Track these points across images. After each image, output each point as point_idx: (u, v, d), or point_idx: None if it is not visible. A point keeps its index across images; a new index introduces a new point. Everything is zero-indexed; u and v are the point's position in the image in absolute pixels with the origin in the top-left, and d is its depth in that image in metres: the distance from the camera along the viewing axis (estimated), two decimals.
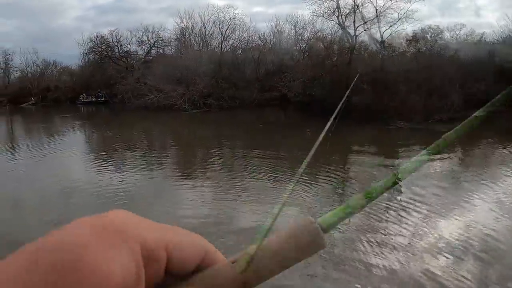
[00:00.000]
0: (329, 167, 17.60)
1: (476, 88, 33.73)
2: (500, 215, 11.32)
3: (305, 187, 14.34)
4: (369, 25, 42.76)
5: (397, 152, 22.84)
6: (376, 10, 42.13)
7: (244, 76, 45.08)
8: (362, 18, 42.43)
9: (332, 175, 17.12)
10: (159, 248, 0.48)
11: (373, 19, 42.22)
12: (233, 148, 24.95)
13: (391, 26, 42.68)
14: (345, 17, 42.89)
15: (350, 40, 43.29)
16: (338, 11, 42.58)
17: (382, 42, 42.79)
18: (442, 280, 7.98)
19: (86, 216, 0.31)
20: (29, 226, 10.91)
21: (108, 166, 19.34)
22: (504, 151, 20.85)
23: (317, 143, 0.65)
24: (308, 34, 48.55)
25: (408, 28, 45.02)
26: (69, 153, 23.74)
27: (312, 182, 15.14)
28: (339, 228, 10.94)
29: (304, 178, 14.88)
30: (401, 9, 42.17)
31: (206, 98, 43.92)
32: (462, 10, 76.92)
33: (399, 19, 42.46)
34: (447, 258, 9.02)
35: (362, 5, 42.20)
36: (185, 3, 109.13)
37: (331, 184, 15.97)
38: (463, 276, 8.06)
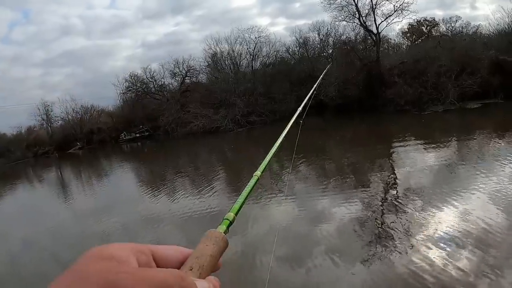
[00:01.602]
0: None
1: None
2: (496, 206, 11.36)
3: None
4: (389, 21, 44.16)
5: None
6: (372, 2, 43.55)
7: (279, 90, 46.45)
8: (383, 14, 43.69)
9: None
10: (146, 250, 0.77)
11: (392, 14, 43.53)
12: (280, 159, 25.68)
13: (387, 17, 43.99)
14: (366, 17, 44.25)
15: (374, 38, 44.77)
16: (358, 13, 43.94)
17: (378, 34, 44.32)
18: (439, 271, 8.29)
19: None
20: None
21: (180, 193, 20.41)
22: (500, 142, 20.61)
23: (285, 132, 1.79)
24: (333, 38, 49.69)
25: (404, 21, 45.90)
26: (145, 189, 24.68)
27: None
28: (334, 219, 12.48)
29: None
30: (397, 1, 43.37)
31: (248, 116, 45.55)
32: (458, 3, 77.49)
33: (395, 11, 43.54)
34: (443, 249, 9.25)
35: (379, 4, 43.49)
36: (225, 30, 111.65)
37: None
38: (459, 268, 8.30)
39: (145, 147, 51.43)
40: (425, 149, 21.52)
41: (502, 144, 20.08)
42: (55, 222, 18.83)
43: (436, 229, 10.48)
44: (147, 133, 57.75)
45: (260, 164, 1.66)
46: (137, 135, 58.80)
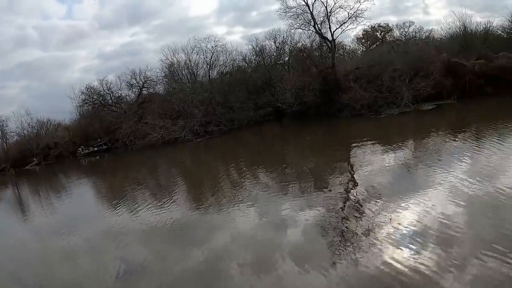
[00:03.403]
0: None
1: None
2: (454, 202, 11.71)
3: None
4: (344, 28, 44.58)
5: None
6: (326, 9, 43.99)
7: (237, 98, 46.49)
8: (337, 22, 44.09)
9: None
10: None
11: (346, 21, 43.98)
12: (240, 169, 25.53)
13: (342, 24, 44.36)
14: (321, 24, 44.60)
15: (329, 44, 45.10)
16: (314, 20, 44.27)
17: (333, 41, 44.63)
18: (403, 269, 8.48)
19: None
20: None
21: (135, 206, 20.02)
22: (455, 140, 21.16)
23: None
24: (289, 46, 50.08)
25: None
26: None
27: None
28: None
29: None
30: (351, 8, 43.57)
31: (207, 126, 45.23)
32: (411, 8, 79.38)
33: (349, 18, 43.93)
34: (406, 246, 9.51)
35: (333, 11, 43.89)
36: (183, 39, 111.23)
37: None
38: (423, 264, 8.51)
39: (103, 161, 50.68)
40: (382, 151, 21.86)
41: (457, 142, 20.65)
42: (14, 241, 18.39)
43: (398, 228, 10.67)
44: (105, 147, 56.83)
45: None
46: (95, 148, 57.79)
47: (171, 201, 19.18)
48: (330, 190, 15.92)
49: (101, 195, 27.51)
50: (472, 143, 19.67)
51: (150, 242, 14.00)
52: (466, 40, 42.52)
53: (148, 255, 12.73)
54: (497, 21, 45.40)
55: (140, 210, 18.58)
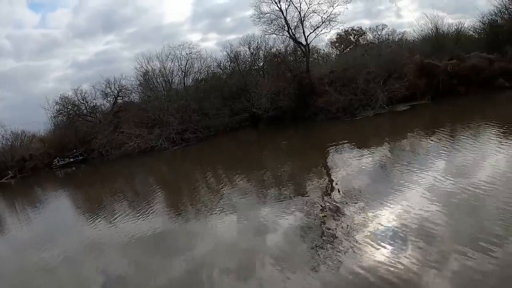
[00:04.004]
0: None
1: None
2: (431, 200, 11.97)
3: None
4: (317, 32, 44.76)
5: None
6: (300, 14, 44.16)
7: (212, 105, 46.19)
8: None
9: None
10: None
11: (320, 25, 44.17)
12: (218, 175, 25.72)
13: (315, 29, 44.65)
14: (295, 29, 44.69)
15: (304, 49, 45.24)
16: (287, 26, 44.36)
17: (307, 45, 44.85)
18: (385, 269, 8.59)
19: None
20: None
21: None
22: (430, 140, 21.45)
23: None
24: (263, 51, 49.97)
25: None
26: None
27: None
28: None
29: None
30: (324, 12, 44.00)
31: (183, 134, 44.83)
32: (384, 12, 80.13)
33: (323, 22, 44.21)
34: (386, 246, 9.65)
35: (307, 16, 44.06)
36: (157, 47, 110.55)
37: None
38: (403, 262, 8.66)
39: (79, 172, 50.02)
40: (359, 152, 21.99)
41: (432, 142, 20.84)
42: None
43: (378, 228, 10.80)
44: (81, 157, 55.91)
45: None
46: (71, 159, 56.76)
47: (149, 211, 19.04)
48: (308, 194, 16.02)
49: (78, 206, 27.14)
50: (447, 142, 19.97)
51: (130, 253, 13.86)
52: (438, 41, 43.17)
53: (128, 266, 12.65)
54: (468, 22, 46.16)
55: (119, 220, 18.41)
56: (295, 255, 10.53)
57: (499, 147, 16.61)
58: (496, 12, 42.77)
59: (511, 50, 35.52)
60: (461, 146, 18.19)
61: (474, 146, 17.66)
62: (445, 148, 18.51)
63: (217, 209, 16.53)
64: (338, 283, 8.67)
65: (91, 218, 20.62)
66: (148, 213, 18.68)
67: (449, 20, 61.37)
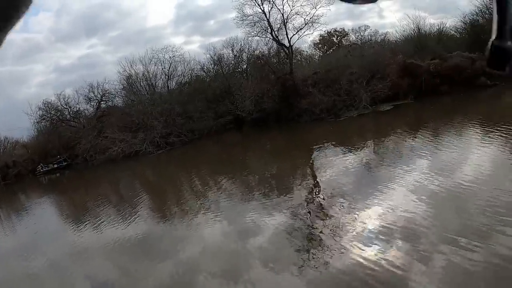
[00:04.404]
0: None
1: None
2: (416, 198, 12.04)
3: None
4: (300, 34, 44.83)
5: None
6: (283, 16, 44.21)
7: (196, 108, 46.13)
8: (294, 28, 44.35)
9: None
10: None
11: (303, 27, 44.26)
12: (203, 178, 25.66)
13: (298, 30, 44.75)
14: (278, 31, 44.74)
15: (287, 51, 45.32)
16: (270, 28, 44.40)
17: (290, 47, 44.95)
18: (371, 266, 8.67)
19: None
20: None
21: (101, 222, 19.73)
22: (414, 139, 21.70)
23: None
24: (247, 54, 49.83)
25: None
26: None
27: None
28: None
29: None
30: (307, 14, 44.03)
31: (167, 137, 44.67)
32: (366, 13, 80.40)
33: (305, 24, 44.30)
34: (373, 244, 9.71)
35: (290, 18, 44.13)
36: (140, 50, 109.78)
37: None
38: (390, 259, 8.74)
39: (63, 178, 49.58)
40: (343, 152, 22.02)
41: (416, 140, 21.05)
42: None
43: (365, 228, 10.85)
44: (65, 163, 55.26)
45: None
46: (55, 165, 56.07)
47: (135, 215, 18.91)
48: (294, 195, 16.08)
49: (63, 213, 26.88)
50: (430, 140, 20.14)
51: (116, 258, 13.80)
52: (420, 41, 43.39)
53: (114, 272, 12.61)
54: (450, 22, 46.42)
55: (104, 226, 18.30)
56: (282, 256, 10.51)
57: (481, 145, 16.75)
58: (478, 12, 43.24)
59: None
60: (444, 145, 18.32)
61: (457, 144, 17.81)
62: (429, 147, 18.64)
63: (203, 212, 16.50)
64: (325, 283, 8.71)
65: (76, 224, 20.45)
66: (133, 217, 18.55)
67: (431, 20, 61.67)
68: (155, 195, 24.28)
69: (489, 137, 18.06)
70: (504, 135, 17.28)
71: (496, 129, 18.30)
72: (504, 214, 9.57)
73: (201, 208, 17.34)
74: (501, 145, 16.29)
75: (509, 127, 17.73)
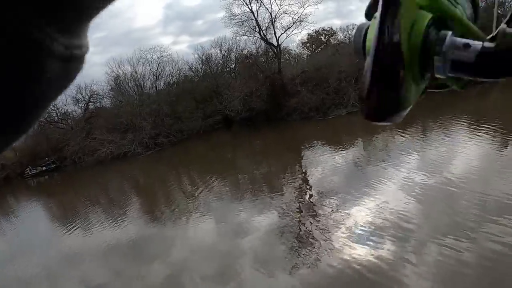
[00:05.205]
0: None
1: None
2: (406, 195, 12.10)
3: None
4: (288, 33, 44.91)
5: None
6: (271, 15, 44.33)
7: (185, 108, 46.12)
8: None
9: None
10: None
11: (291, 26, 44.33)
12: (192, 179, 25.58)
13: (286, 29, 44.98)
14: (266, 30, 44.75)
15: (275, 50, 45.34)
16: (259, 27, 44.39)
17: (278, 46, 45.21)
18: (364, 263, 8.73)
19: None
20: None
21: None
22: (403, 136, 21.67)
23: None
24: (235, 53, 49.87)
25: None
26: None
27: None
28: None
29: None
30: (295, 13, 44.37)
31: (156, 138, 44.52)
32: (354, 12, 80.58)
33: (294, 23, 44.62)
34: (364, 242, 9.77)
35: (278, 17, 44.17)
36: (128, 51, 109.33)
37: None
38: (381, 257, 8.80)
39: (52, 180, 49.25)
40: (333, 151, 22.02)
41: (405, 138, 21.09)
42: None
43: (355, 226, 10.86)
44: (53, 165, 54.84)
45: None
46: (44, 168, 55.68)
47: (125, 217, 18.85)
48: (284, 194, 16.07)
49: (53, 216, 26.73)
50: (419, 137, 20.35)
51: (108, 261, 13.73)
52: None
53: (107, 274, 12.53)
54: None
55: (95, 228, 18.23)
56: (274, 255, 10.53)
57: (469, 141, 16.80)
58: None
59: None
60: (433, 141, 18.38)
61: (446, 141, 17.85)
62: (418, 144, 18.80)
63: (194, 213, 16.47)
64: (317, 281, 8.70)
65: (66, 227, 20.25)
66: (123, 219, 18.47)
67: None
68: (144, 196, 24.17)
69: (476, 133, 18.14)
70: (491, 131, 17.36)
71: (484, 126, 18.40)
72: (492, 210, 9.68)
73: (191, 209, 17.33)
74: (490, 141, 16.37)
75: (496, 123, 17.82)
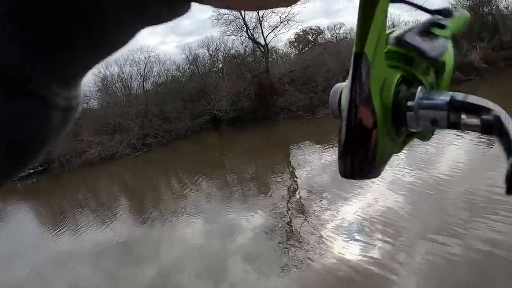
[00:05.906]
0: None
1: None
2: (396, 192, 12.14)
3: None
4: (276, 32, 44.98)
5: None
6: (258, 14, 44.37)
7: (173, 108, 45.98)
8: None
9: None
10: None
11: (278, 25, 44.39)
12: (181, 180, 25.27)
13: (274, 29, 45.28)
14: (253, 30, 44.76)
15: (263, 49, 45.36)
16: (246, 26, 44.37)
17: (266, 45, 45.32)
18: (354, 264, 8.69)
19: None
20: None
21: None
22: None
23: None
24: (222, 53, 49.71)
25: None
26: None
27: None
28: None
29: None
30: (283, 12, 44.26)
31: (144, 139, 44.29)
32: (342, 11, 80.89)
33: (281, 22, 44.79)
34: (354, 242, 9.74)
35: (265, 16, 44.20)
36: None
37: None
38: (372, 257, 8.77)
39: (40, 183, 48.86)
40: (321, 149, 22.01)
41: None
42: None
43: (344, 224, 10.97)
44: (41, 168, 54.47)
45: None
46: (31, 171, 55.27)
47: (114, 219, 18.72)
48: (273, 193, 16.08)
49: (41, 220, 26.15)
50: None
51: (99, 264, 13.60)
52: None
53: (98, 278, 12.44)
54: (424, 19, 46.94)
55: (84, 231, 18.01)
56: (265, 255, 10.51)
57: (458, 138, 16.88)
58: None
59: (466, 45, 36.27)
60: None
61: (435, 138, 17.87)
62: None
63: (183, 214, 16.40)
64: (309, 280, 8.70)
65: (55, 230, 19.97)
66: (113, 221, 18.36)
67: (406, 17, 62.40)
68: (133, 198, 24.00)
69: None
70: None
71: None
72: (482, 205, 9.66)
73: (181, 210, 17.22)
74: (477, 138, 16.50)
75: None
